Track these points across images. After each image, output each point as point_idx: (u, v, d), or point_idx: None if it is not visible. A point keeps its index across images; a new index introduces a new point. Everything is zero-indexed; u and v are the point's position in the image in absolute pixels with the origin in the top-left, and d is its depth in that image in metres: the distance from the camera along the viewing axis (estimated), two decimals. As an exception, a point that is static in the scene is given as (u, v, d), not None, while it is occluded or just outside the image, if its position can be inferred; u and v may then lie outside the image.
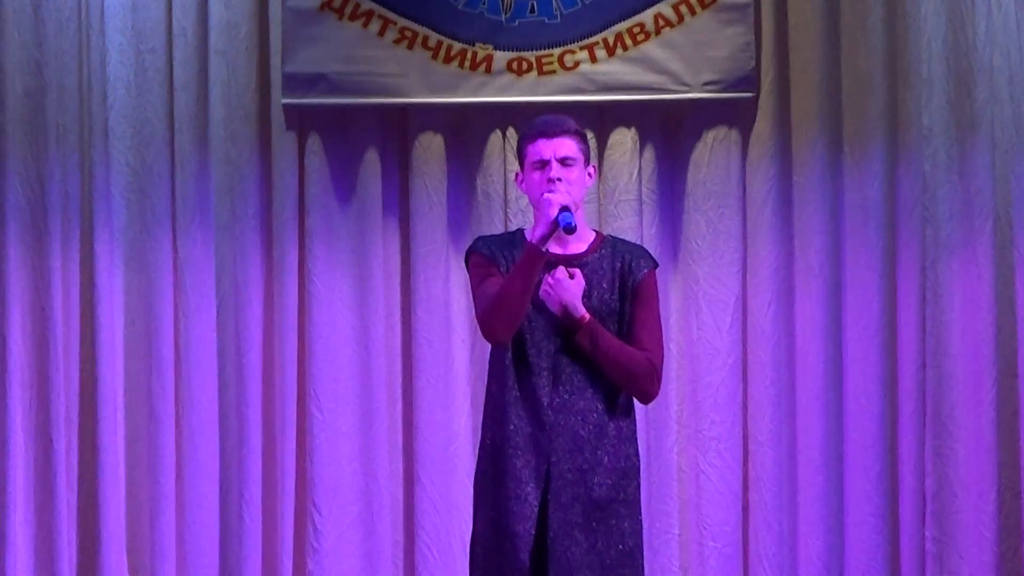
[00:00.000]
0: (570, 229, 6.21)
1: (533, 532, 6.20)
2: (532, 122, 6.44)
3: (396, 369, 8.37)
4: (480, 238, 6.60)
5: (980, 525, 8.20)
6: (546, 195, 6.17)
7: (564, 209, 6.15)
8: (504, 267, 6.35)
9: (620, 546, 6.27)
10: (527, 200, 6.57)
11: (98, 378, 8.27)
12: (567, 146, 6.27)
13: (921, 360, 8.30)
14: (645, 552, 6.51)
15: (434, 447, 8.33)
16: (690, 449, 8.42)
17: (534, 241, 6.16)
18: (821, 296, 8.38)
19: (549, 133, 6.27)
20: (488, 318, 6.21)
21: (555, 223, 6.14)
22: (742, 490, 8.38)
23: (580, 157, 6.31)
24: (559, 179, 6.22)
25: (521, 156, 6.41)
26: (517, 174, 6.40)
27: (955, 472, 8.22)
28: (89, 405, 8.28)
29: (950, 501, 8.23)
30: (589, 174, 6.39)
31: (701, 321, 8.39)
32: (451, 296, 8.36)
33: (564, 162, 6.24)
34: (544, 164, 6.23)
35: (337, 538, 8.25)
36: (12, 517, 8.19)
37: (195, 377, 8.30)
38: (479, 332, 7.46)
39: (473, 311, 7.31)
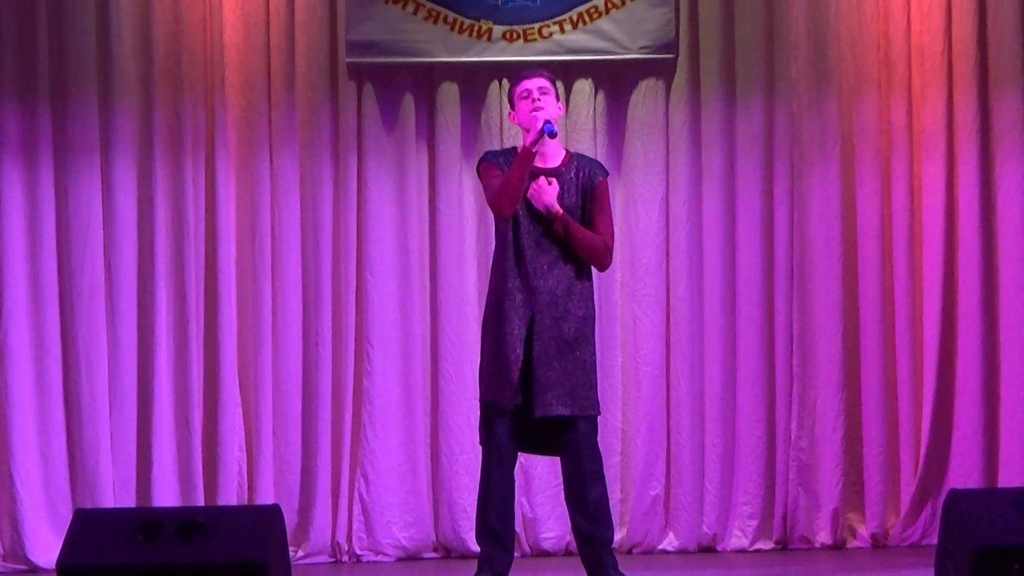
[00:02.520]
0: (552, 134, 6.94)
1: (521, 358, 7.00)
2: (518, 72, 7.38)
3: (425, 247, 9.04)
4: (487, 152, 7.46)
5: (830, 354, 9.03)
6: (534, 112, 6.99)
7: (547, 122, 6.95)
8: (504, 169, 7.09)
9: (582, 370, 7.11)
10: (516, 131, 7.63)
11: (218, 256, 8.96)
12: (542, 81, 7.15)
13: (790, 240, 9.07)
14: (598, 374, 7.28)
15: (451, 301, 9.04)
16: (629, 303, 9.13)
17: (526, 144, 6.98)
18: (720, 196, 9.11)
19: (530, 75, 7.20)
20: (497, 198, 7.01)
21: (541, 131, 6.92)
22: (665, 331, 9.12)
23: (552, 89, 7.15)
24: (539, 101, 7.05)
25: (512, 96, 7.22)
26: (510, 113, 7.28)
27: (814, 318, 9.03)
28: (212, 274, 8.96)
29: (810, 337, 9.04)
30: (559, 106, 7.21)
31: (637, 213, 9.10)
32: (464, 197, 9.07)
33: (542, 90, 7.09)
34: (528, 93, 7.09)
35: (384, 365, 8.98)
36: (157, 351, 8.88)
37: (285, 254, 8.98)
38: (482, 225, 8.80)
39: (479, 209, 8.75)
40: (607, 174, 7.33)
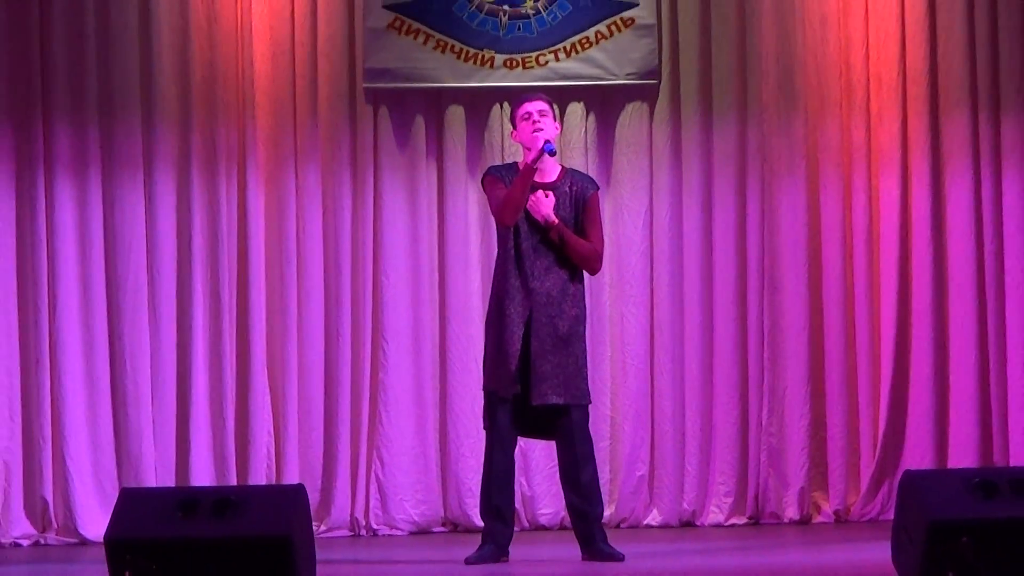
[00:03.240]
0: (552, 153, 7.03)
1: (519, 352, 7.04)
2: (520, 95, 7.46)
3: (434, 253, 9.00)
4: (491, 167, 7.48)
5: (797, 349, 8.99)
6: (535, 132, 7.03)
7: (547, 141, 7.02)
8: (506, 182, 7.13)
9: (574, 363, 7.13)
10: (517, 148, 7.55)
11: (249, 260, 8.96)
12: (542, 104, 7.17)
13: (761, 247, 9.04)
14: (589, 367, 7.36)
15: (458, 300, 9.01)
16: (617, 303, 9.08)
17: (527, 162, 7.06)
18: (699, 207, 9.08)
19: (531, 98, 7.23)
20: (501, 209, 7.05)
21: (542, 150, 7.00)
22: (649, 328, 9.06)
23: (550, 111, 7.17)
24: (539, 122, 7.07)
25: (514, 117, 7.25)
26: (512, 132, 7.32)
27: (783, 316, 9.01)
28: (243, 277, 8.94)
29: (780, 334, 9.02)
30: (556, 126, 7.24)
31: (624, 222, 9.06)
32: (469, 207, 9.04)
33: (541, 112, 7.11)
34: (529, 116, 7.10)
35: (397, 359, 8.95)
36: (195, 346, 8.86)
37: (309, 259, 8.96)
38: (486, 232, 8.73)
39: (482, 218, 8.71)
40: (598, 188, 7.39)
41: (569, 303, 7.17)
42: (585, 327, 7.25)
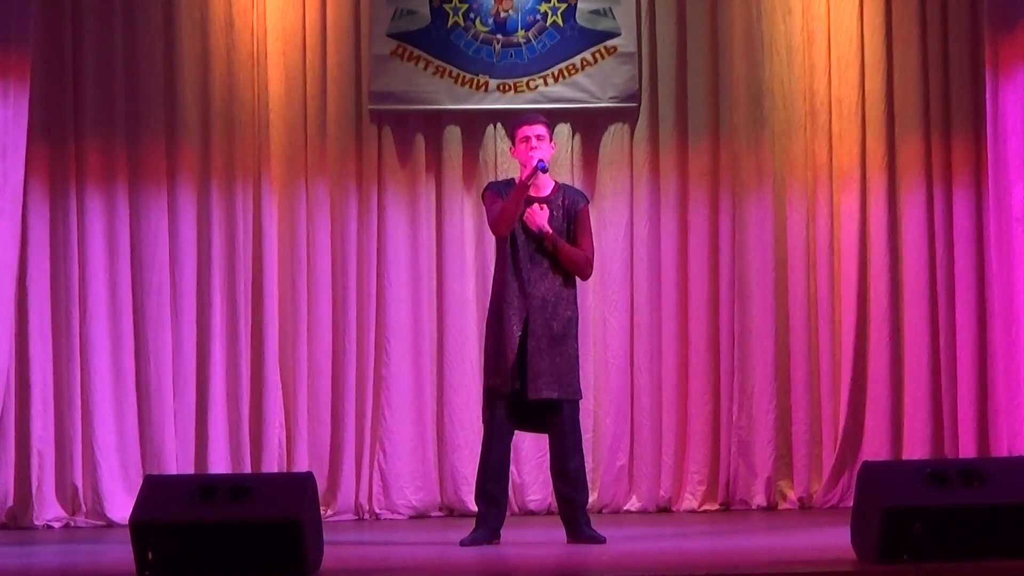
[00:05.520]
0: (544, 170, 7.07)
1: (516, 349, 7.03)
2: (521, 116, 7.37)
3: (433, 260, 9.00)
4: (490, 182, 7.51)
5: (765, 349, 8.97)
6: (530, 153, 7.05)
7: (540, 160, 7.05)
8: (503, 197, 7.14)
9: (567, 361, 7.13)
10: (510, 164, 7.62)
11: (263, 267, 8.95)
12: (540, 129, 7.19)
13: (732, 256, 9.05)
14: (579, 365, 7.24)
15: (454, 304, 9.02)
16: (600, 307, 9.09)
17: (522, 179, 7.08)
18: (675, 220, 9.09)
19: (531, 122, 7.23)
20: (496, 222, 7.08)
21: (535, 168, 7.02)
22: (629, 330, 9.06)
23: (546, 134, 7.20)
24: (535, 145, 7.10)
25: (513, 136, 7.27)
26: (511, 148, 7.40)
27: (752, 319, 8.99)
28: (258, 282, 8.93)
29: (749, 335, 8.99)
30: (551, 146, 7.26)
31: (606, 233, 9.00)
32: (465, 219, 9.04)
33: (539, 137, 7.14)
34: (528, 139, 7.12)
35: (399, 357, 8.94)
36: (213, 345, 8.87)
37: (318, 265, 8.96)
38: (480, 242, 8.68)
39: (477, 228, 8.68)
40: (588, 201, 7.41)
41: (563, 306, 7.16)
42: (577, 328, 7.24)
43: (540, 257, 7.14)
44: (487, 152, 9.12)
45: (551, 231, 7.15)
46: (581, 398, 7.23)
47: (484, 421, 7.15)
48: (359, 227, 9.08)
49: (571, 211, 7.24)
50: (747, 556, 6.78)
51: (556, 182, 7.39)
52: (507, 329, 7.06)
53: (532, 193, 7.17)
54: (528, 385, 7.01)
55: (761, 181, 9.11)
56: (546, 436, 7.26)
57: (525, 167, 7.10)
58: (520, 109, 8.57)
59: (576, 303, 7.23)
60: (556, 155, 8.74)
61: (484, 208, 7.37)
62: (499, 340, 7.08)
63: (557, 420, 7.08)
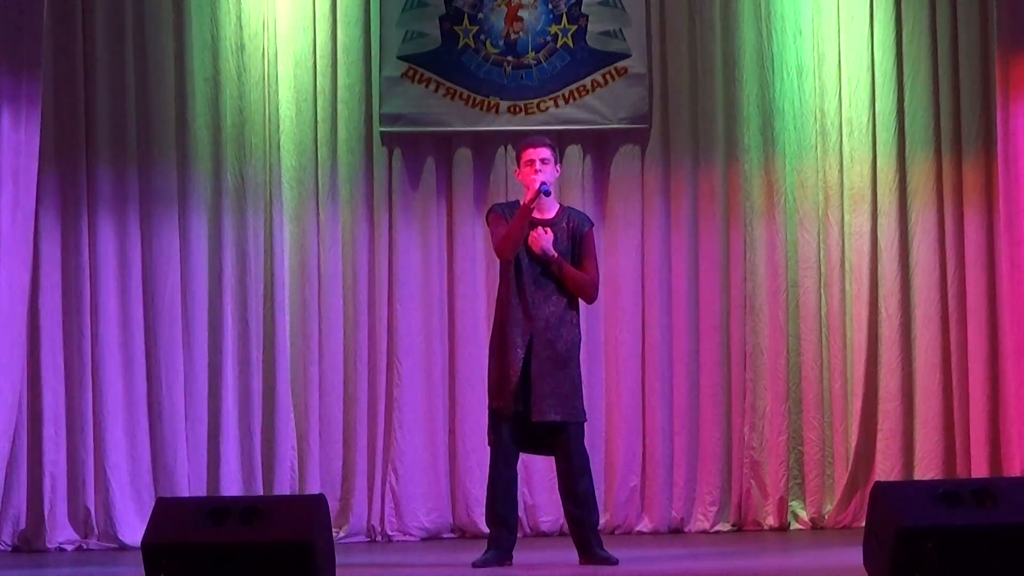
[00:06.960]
0: (547, 193, 7.09)
1: (520, 371, 7.05)
2: (527, 138, 7.37)
3: (444, 283, 9.00)
4: (495, 204, 7.52)
5: (776, 370, 8.98)
6: (534, 176, 7.08)
7: (543, 183, 7.08)
8: (508, 219, 7.17)
9: (571, 384, 7.14)
10: (520, 186, 7.46)
11: (274, 290, 8.95)
12: (544, 152, 7.21)
13: (743, 276, 9.05)
14: (585, 386, 7.41)
15: (466, 326, 9.01)
16: (612, 328, 9.04)
17: (525, 202, 7.10)
18: (686, 240, 9.08)
19: (536, 144, 7.23)
20: (500, 245, 7.12)
21: (538, 191, 7.05)
22: (641, 351, 9.02)
23: (552, 158, 7.21)
24: (540, 169, 7.13)
25: (519, 158, 7.26)
26: (516, 170, 7.33)
27: (763, 340, 9.00)
28: (269, 305, 8.95)
29: (760, 356, 9.00)
30: (557, 168, 7.29)
31: (618, 254, 9.01)
32: (476, 241, 9.02)
33: (543, 161, 7.16)
34: (532, 162, 7.14)
35: (410, 379, 8.92)
36: (225, 368, 8.88)
37: (330, 288, 8.96)
38: (491, 264, 8.61)
39: (488, 250, 8.45)
40: (592, 225, 7.40)
41: (566, 329, 7.16)
42: (580, 351, 7.24)
43: (545, 280, 7.16)
44: (498, 174, 9.12)
45: (556, 254, 7.16)
46: (585, 420, 7.23)
47: (489, 443, 7.17)
48: (370, 249, 9.08)
49: (576, 234, 7.26)
50: (759, 577, 6.71)
51: (561, 205, 7.41)
52: (511, 351, 7.07)
53: (536, 216, 7.19)
54: (532, 408, 7.01)
55: (772, 201, 9.12)
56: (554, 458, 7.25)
57: (528, 190, 7.11)
58: (532, 131, 8.55)
59: (579, 326, 7.24)
60: (567, 176, 9.00)
61: (488, 230, 7.38)
62: (502, 362, 7.09)
63: (562, 443, 7.07)
